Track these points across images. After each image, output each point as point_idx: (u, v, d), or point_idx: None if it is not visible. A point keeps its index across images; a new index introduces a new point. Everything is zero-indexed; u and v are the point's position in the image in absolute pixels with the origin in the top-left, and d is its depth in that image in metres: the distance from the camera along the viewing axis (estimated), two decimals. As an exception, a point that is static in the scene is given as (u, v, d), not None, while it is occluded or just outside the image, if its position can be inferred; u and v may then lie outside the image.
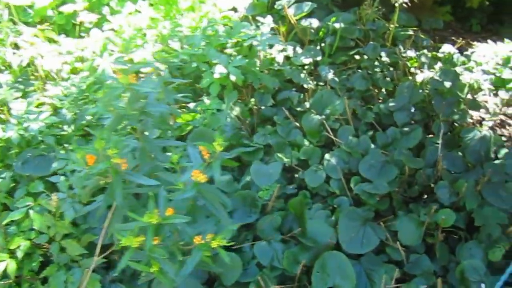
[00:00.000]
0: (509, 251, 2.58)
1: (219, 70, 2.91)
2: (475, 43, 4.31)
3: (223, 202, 1.86)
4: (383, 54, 3.55)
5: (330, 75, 3.24)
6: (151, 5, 3.61)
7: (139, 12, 3.46)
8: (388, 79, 3.37)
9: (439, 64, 3.71)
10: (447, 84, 3.24)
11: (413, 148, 3.06)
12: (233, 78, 2.88)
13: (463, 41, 4.62)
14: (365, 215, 2.52)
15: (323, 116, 3.02)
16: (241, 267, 2.25)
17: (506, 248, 2.45)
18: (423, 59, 3.50)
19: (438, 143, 2.98)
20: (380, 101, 3.33)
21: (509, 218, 2.60)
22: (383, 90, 3.50)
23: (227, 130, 2.78)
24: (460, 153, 2.99)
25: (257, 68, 3.10)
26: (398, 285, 2.40)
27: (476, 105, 3.31)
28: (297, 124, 3.11)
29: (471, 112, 3.72)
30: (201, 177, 1.69)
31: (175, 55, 2.94)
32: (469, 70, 3.91)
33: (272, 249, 2.37)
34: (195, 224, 1.80)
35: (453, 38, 4.19)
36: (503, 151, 3.00)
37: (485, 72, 3.91)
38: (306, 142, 3.01)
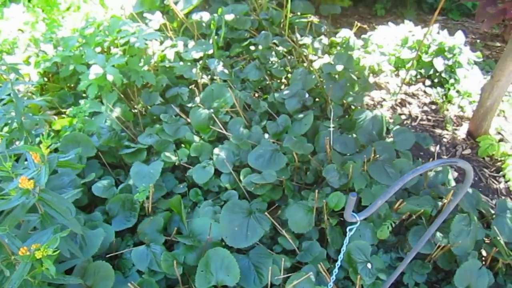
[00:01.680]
0: (399, 227, 2.61)
1: (95, 70, 2.78)
2: (379, 26, 4.39)
3: (67, 208, 1.74)
4: (278, 42, 3.53)
5: (220, 68, 3.18)
6: (29, 8, 3.43)
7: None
8: (282, 68, 3.35)
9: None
10: (339, 67, 3.26)
11: (308, 134, 3.05)
12: (110, 78, 2.75)
13: (368, 26, 4.72)
14: (249, 207, 2.46)
15: (212, 110, 2.94)
16: (113, 277, 2.12)
17: (394, 224, 2.46)
18: (316, 45, 3.51)
19: (330, 127, 2.97)
20: (276, 90, 3.31)
21: (396, 194, 2.62)
22: (283, 79, 3.49)
23: (103, 133, 2.64)
24: (353, 135, 3.00)
25: (141, 66, 2.99)
26: (288, 274, 2.35)
27: (369, 87, 3.35)
28: (188, 120, 3.02)
29: (373, 94, 3.78)
30: (28, 184, 1.56)
31: (46, 58, 2.78)
32: (369, 53, 3.98)
33: (151, 252, 2.26)
34: (33, 235, 1.66)
35: (358, 23, 4.25)
36: (396, 128, 3.04)
37: (384, 54, 3.99)
38: (197, 138, 2.93)
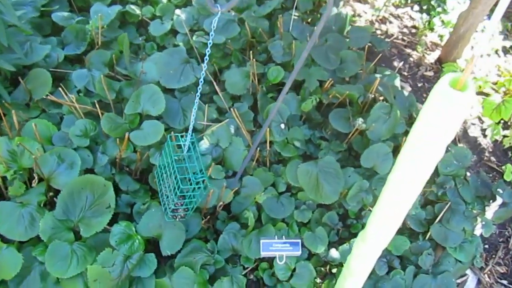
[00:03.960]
0: (328, 109, 2.81)
1: None
2: None
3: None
4: None
5: None
6: None
7: None
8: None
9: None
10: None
11: (273, 20, 3.21)
12: None
13: None
14: (187, 57, 2.68)
15: (183, -25, 3.12)
16: (50, 84, 2.43)
17: (318, 100, 2.66)
18: None
19: (292, 14, 3.13)
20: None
21: (332, 79, 2.80)
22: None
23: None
24: (312, 27, 3.15)
25: None
26: (211, 123, 2.61)
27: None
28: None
29: (356, 6, 3.88)
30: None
31: None
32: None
33: (90, 75, 2.54)
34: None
35: None
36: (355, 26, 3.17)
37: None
38: (165, 0, 3.13)
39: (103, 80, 2.38)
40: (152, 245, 2.30)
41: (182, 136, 2.03)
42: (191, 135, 2.02)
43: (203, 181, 1.94)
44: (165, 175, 2.06)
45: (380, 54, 2.99)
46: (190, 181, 1.97)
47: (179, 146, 2.19)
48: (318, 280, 2.57)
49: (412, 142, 1.42)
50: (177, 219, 2.11)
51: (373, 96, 2.79)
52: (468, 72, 1.24)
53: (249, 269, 2.51)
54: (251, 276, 2.54)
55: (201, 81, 1.77)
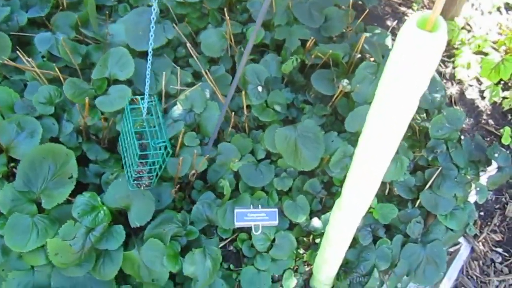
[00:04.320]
0: (312, 70, 2.63)
1: None
2: None
3: None
4: None
5: None
6: None
7: None
8: None
9: None
10: None
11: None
12: None
13: None
14: (159, 17, 2.51)
15: None
16: (10, 48, 2.26)
17: (299, 60, 2.48)
18: None
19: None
20: None
21: (316, 38, 2.61)
22: None
23: None
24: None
25: None
26: (184, 88, 2.46)
27: None
28: None
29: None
30: None
31: None
32: None
33: (54, 38, 2.38)
34: None
35: None
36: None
37: None
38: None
39: (64, 43, 2.22)
40: (123, 216, 2.18)
41: (143, 99, 1.87)
42: (154, 98, 1.86)
43: (165, 148, 1.80)
44: (127, 141, 1.92)
45: (367, 10, 2.77)
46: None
47: (149, 112, 2.04)
48: (301, 251, 2.46)
49: (381, 94, 1.26)
50: (142, 188, 1.97)
51: (360, 56, 2.60)
52: (438, 9, 1.06)
53: (228, 240, 2.40)
54: (231, 247, 2.43)
55: (152, 18, 1.57)
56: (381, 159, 1.43)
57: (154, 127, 1.90)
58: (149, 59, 1.68)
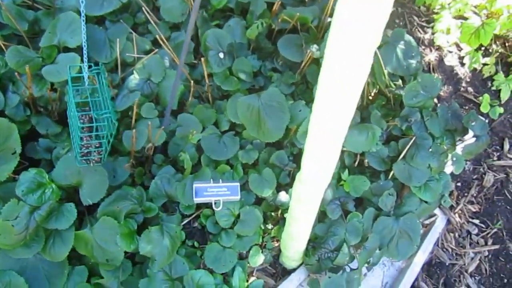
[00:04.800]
0: (275, 32, 2.47)
1: None
2: None
3: None
4: None
5: None
6: None
7: None
8: None
9: None
10: None
11: None
12: None
13: None
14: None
15: None
16: None
17: (265, 24, 2.32)
18: None
19: None
20: None
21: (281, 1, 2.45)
22: None
23: None
24: None
25: None
26: (142, 56, 2.29)
27: None
28: None
29: None
30: None
31: None
32: None
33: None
34: None
35: None
36: None
37: None
38: None
39: (5, 8, 2.02)
40: (78, 194, 2.03)
41: (88, 67, 1.71)
42: (100, 66, 1.70)
43: (111, 120, 1.64)
44: (71, 113, 1.76)
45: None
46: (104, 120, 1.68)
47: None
48: (270, 226, 2.35)
49: (328, 50, 1.11)
50: (91, 164, 1.82)
51: (330, 19, 2.43)
52: None
53: (193, 216, 2.28)
54: (195, 224, 2.31)
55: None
56: (337, 124, 1.30)
57: (99, 97, 1.74)
58: (82, 19, 1.51)
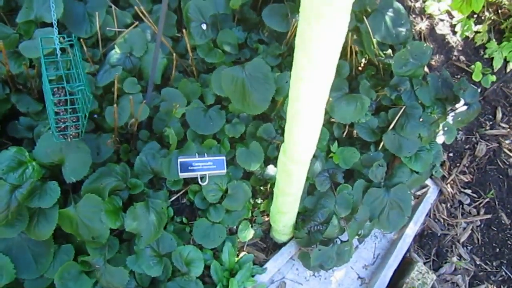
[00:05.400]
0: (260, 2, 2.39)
1: None
2: None
3: None
4: None
5: None
6: None
7: None
8: None
9: None
10: None
11: None
12: None
13: None
14: None
15: None
16: None
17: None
18: None
19: None
20: None
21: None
22: None
23: None
24: None
25: None
26: (123, 29, 2.22)
27: None
28: None
29: None
30: None
31: None
32: None
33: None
34: None
35: None
36: None
37: None
38: None
39: (-23, -20, 1.95)
40: (61, 173, 1.99)
41: (62, 39, 1.65)
42: (72, 38, 1.64)
43: (86, 94, 1.59)
44: (45, 88, 1.70)
45: None
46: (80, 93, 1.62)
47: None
48: (259, 201, 2.32)
49: (301, 21, 1.06)
50: (69, 140, 1.78)
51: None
52: None
53: (181, 192, 2.25)
54: (184, 200, 2.28)
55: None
56: (315, 92, 1.25)
57: (70, 69, 1.68)
58: None
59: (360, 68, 2.54)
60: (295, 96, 1.30)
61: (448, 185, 2.67)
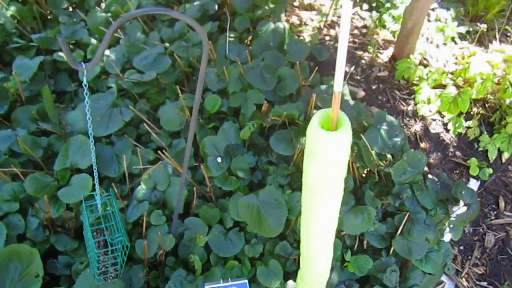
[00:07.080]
0: (272, 131, 2.68)
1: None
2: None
3: None
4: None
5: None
6: None
7: None
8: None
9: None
10: (250, -21, 3.25)
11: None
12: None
13: None
14: (114, 100, 2.57)
15: (109, 14, 3.02)
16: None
17: (255, 125, 2.54)
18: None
19: (228, 37, 3.02)
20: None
21: (270, 101, 2.68)
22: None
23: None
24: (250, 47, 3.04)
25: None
26: (148, 166, 2.50)
27: (283, 2, 3.33)
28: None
29: (302, 14, 3.76)
30: None
31: None
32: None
33: (14, 135, 2.43)
34: None
35: None
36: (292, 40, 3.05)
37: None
38: (94, 41, 3.02)
39: (22, 141, 2.27)
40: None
41: (99, 195, 1.91)
42: (110, 192, 1.90)
43: (125, 246, 1.82)
44: (87, 237, 1.94)
45: (317, 68, 2.86)
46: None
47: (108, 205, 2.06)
48: (282, 314, 2.43)
49: (307, 182, 1.30)
50: (109, 280, 1.98)
51: (315, 111, 2.66)
52: (336, 108, 1.11)
53: (208, 314, 2.37)
54: (211, 322, 2.40)
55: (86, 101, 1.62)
56: (324, 237, 1.45)
57: (111, 222, 1.93)
58: (92, 150, 1.72)
59: (363, 175, 2.76)
60: (306, 230, 1.50)
61: (463, 279, 2.76)
